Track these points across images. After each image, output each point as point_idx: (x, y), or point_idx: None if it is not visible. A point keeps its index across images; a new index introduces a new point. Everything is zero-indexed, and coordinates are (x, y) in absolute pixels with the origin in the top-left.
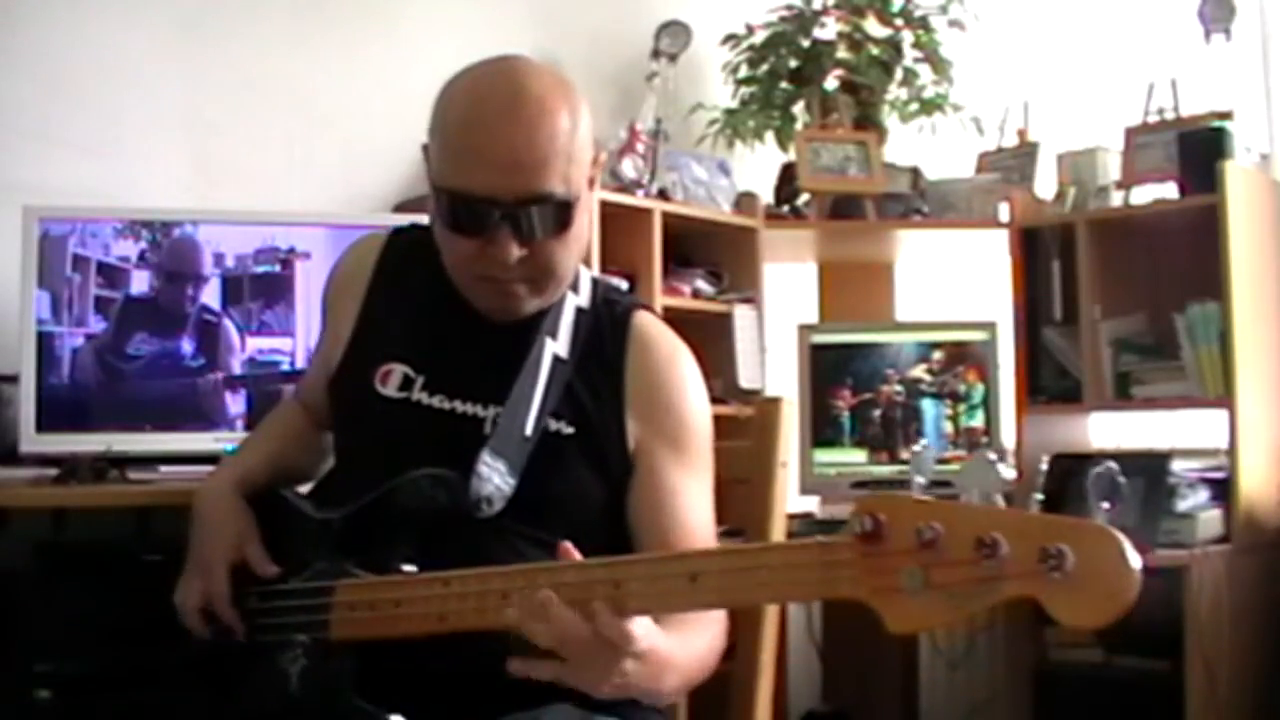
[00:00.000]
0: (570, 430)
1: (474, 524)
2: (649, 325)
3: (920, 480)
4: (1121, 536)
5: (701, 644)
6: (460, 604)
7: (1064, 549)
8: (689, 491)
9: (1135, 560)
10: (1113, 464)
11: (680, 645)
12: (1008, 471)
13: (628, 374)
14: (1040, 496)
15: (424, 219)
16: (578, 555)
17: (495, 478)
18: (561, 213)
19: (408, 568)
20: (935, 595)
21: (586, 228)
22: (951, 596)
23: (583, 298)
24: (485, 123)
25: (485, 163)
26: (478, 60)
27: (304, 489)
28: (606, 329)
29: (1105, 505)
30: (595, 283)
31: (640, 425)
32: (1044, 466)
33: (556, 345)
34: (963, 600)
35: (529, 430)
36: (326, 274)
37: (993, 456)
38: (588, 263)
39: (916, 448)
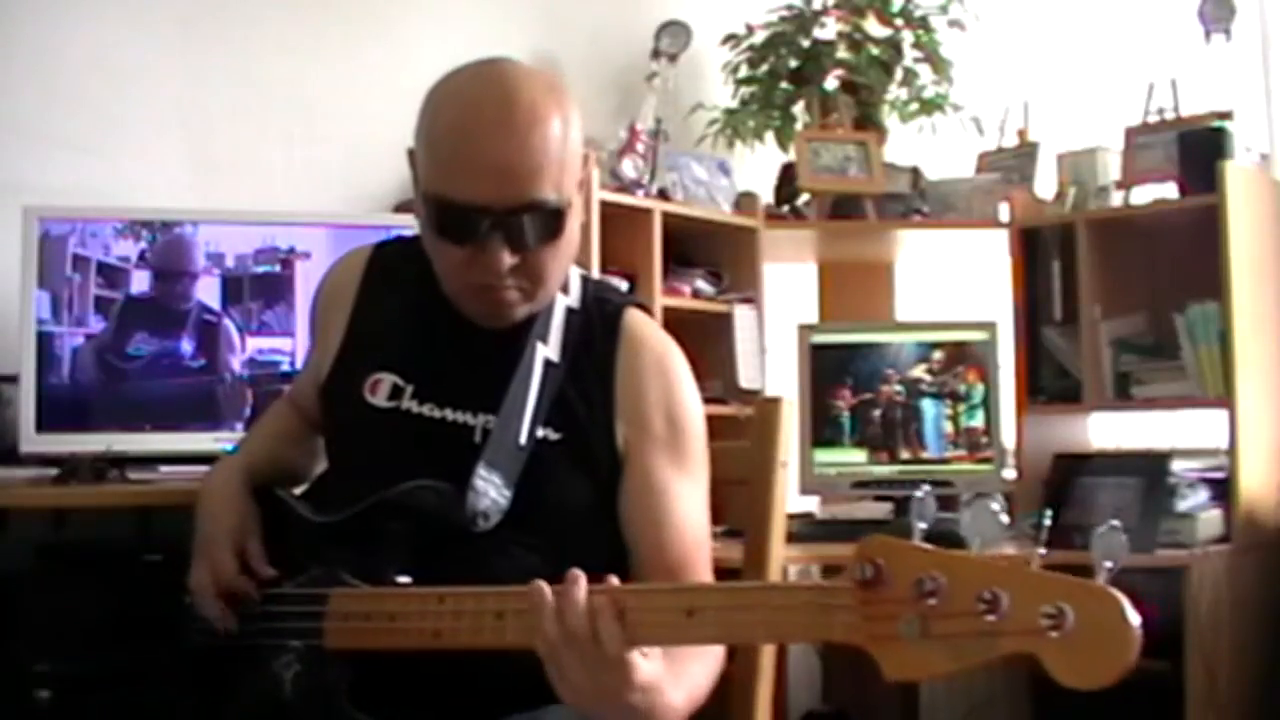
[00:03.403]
0: (557, 437)
1: (469, 536)
2: (640, 325)
3: (921, 526)
4: (1123, 598)
5: (699, 673)
6: (455, 622)
7: (1065, 608)
8: (680, 490)
9: (1135, 621)
10: (1116, 522)
11: (680, 687)
12: (1009, 473)
13: (617, 374)
14: (1043, 552)
15: (418, 224)
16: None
17: (491, 490)
18: (553, 220)
19: (402, 579)
20: (933, 645)
21: (577, 232)
22: (950, 648)
23: (573, 298)
24: (476, 130)
25: (476, 171)
26: (465, 63)
27: (297, 491)
28: (597, 329)
29: (1108, 565)
30: (586, 281)
31: (630, 426)
32: (1047, 521)
33: (547, 349)
34: (961, 652)
35: (523, 439)
36: (317, 283)
37: (995, 506)
38: (588, 264)
39: (918, 494)
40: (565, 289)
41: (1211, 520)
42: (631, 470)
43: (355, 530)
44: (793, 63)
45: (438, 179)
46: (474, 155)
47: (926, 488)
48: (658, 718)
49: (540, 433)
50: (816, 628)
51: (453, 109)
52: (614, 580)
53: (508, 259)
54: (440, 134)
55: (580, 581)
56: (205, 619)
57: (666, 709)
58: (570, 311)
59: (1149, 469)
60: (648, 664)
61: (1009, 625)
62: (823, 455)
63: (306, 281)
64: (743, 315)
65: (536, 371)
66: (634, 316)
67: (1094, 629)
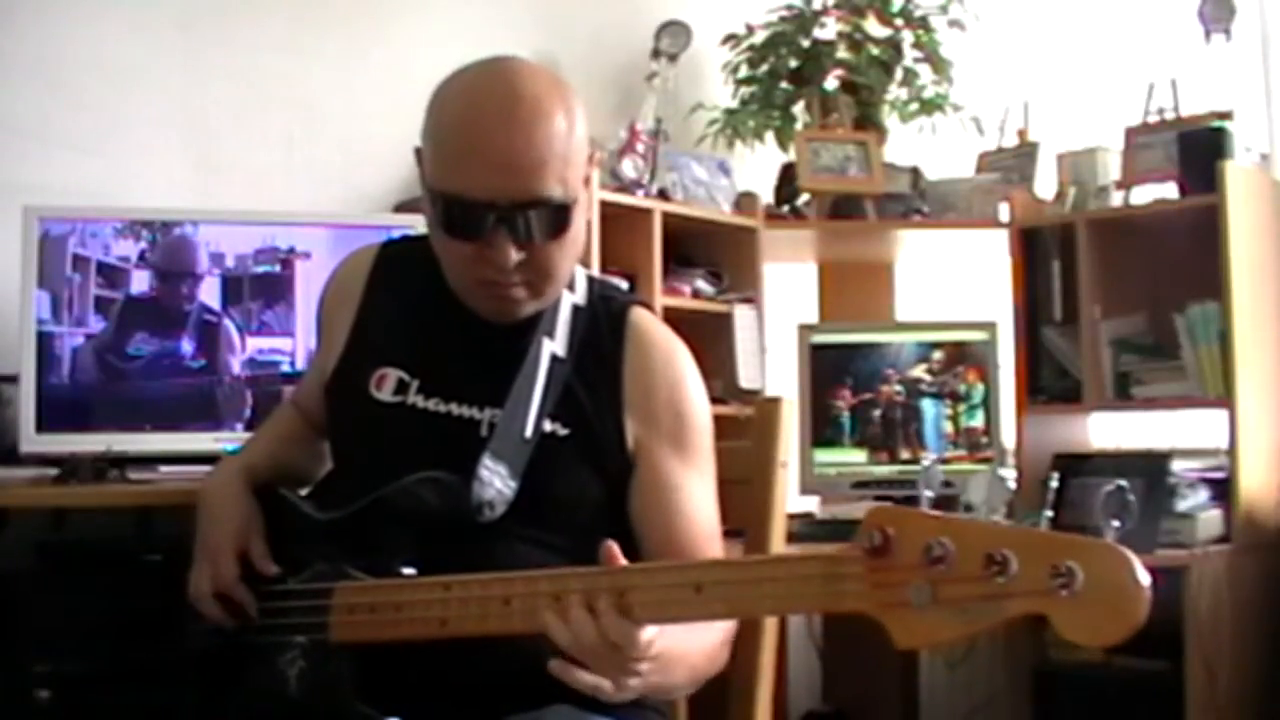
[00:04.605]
0: (565, 432)
1: (475, 528)
2: (646, 323)
3: (928, 494)
4: (1132, 555)
5: (711, 638)
6: (461, 609)
7: (1074, 567)
8: (691, 487)
9: (1145, 579)
10: (1123, 482)
11: (689, 641)
12: (1009, 472)
13: (625, 372)
14: (1050, 515)
15: (419, 223)
16: (621, 557)
17: (496, 481)
18: (559, 215)
19: (408, 571)
20: (943, 611)
21: (584, 229)
22: (960, 612)
23: (579, 296)
24: (481, 125)
25: (482, 166)
26: (471, 62)
27: (302, 492)
28: (604, 326)
29: (1115, 523)
30: (591, 280)
31: (639, 424)
32: (1054, 484)
33: (554, 345)
34: (971, 616)
35: (528, 432)
36: (324, 280)
37: (1002, 472)
38: (588, 263)
39: (925, 461)
40: (571, 286)
41: (1211, 520)
42: (642, 467)
43: (359, 525)
44: (793, 63)
45: (444, 175)
46: (479, 151)
47: (933, 456)
48: (668, 685)
49: (548, 427)
50: (826, 598)
51: (458, 106)
52: (622, 561)
53: (514, 254)
54: (446, 130)
55: (618, 556)
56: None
57: (675, 674)
58: (576, 309)
59: (1149, 469)
60: (653, 637)
61: (1018, 586)
62: (823, 455)
63: (306, 281)
64: (743, 315)
65: (543, 366)
66: (640, 314)
67: (1104, 587)
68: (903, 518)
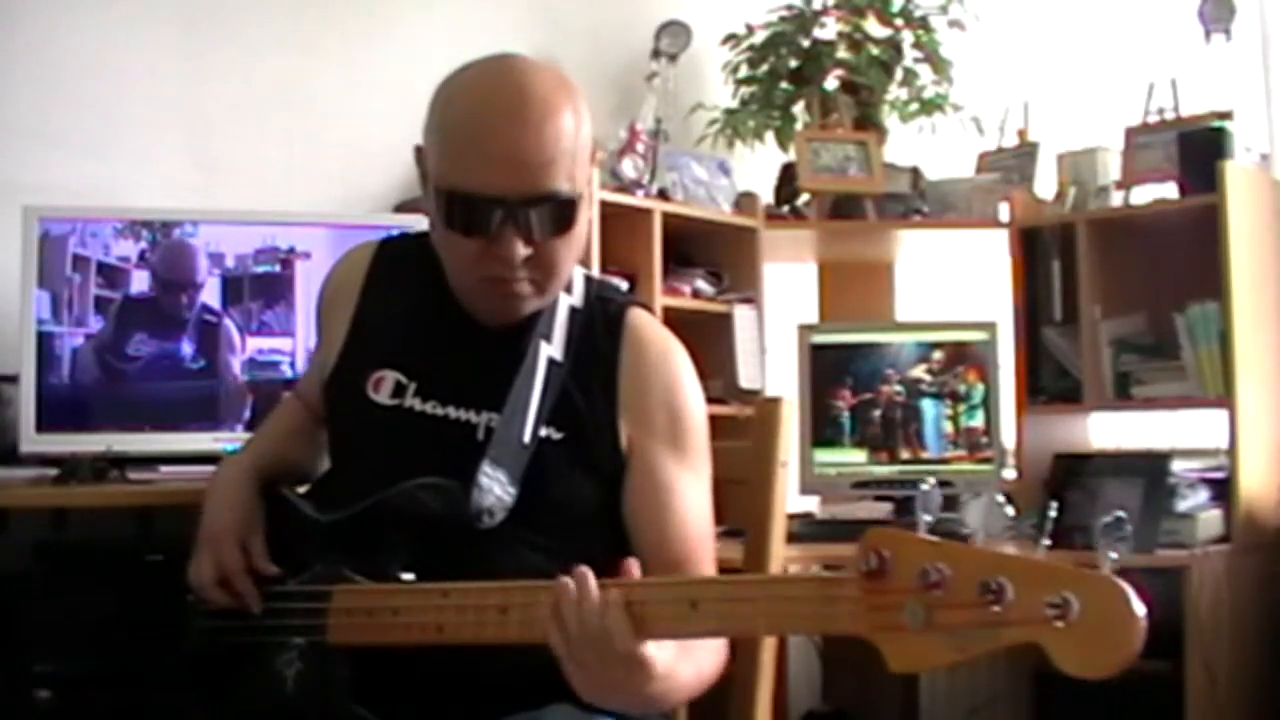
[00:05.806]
0: (560, 436)
1: (472, 533)
2: (643, 323)
3: (926, 518)
4: (1127, 587)
5: (714, 660)
6: (458, 616)
7: (1070, 598)
8: (686, 488)
9: (1140, 611)
10: (1122, 513)
11: (689, 664)
12: (1009, 473)
13: (621, 373)
14: (1048, 544)
15: (419, 223)
16: (637, 572)
17: (496, 488)
18: (566, 211)
19: (406, 575)
20: (937, 636)
21: (586, 225)
22: (954, 637)
23: (576, 297)
24: (489, 123)
25: (490, 163)
26: (474, 59)
27: (302, 489)
28: (600, 328)
29: (1114, 555)
30: (589, 281)
31: (634, 424)
32: (1052, 513)
33: (551, 348)
34: (965, 642)
35: (527, 438)
36: (322, 280)
37: (1000, 498)
38: (588, 263)
39: (924, 486)
40: (569, 288)
41: (1211, 520)
42: (636, 467)
43: (358, 528)
44: (793, 63)
45: (450, 171)
46: (488, 147)
47: (932, 480)
48: (672, 700)
49: (544, 432)
50: (821, 619)
51: (465, 102)
52: (636, 572)
53: (521, 250)
54: (453, 127)
55: (590, 579)
56: (207, 618)
57: (680, 690)
58: (573, 310)
59: (1149, 469)
60: (660, 653)
61: (1013, 615)
62: (823, 455)
63: (306, 281)
64: (743, 315)
65: (540, 370)
66: (637, 315)
67: (1099, 618)
68: (900, 541)
